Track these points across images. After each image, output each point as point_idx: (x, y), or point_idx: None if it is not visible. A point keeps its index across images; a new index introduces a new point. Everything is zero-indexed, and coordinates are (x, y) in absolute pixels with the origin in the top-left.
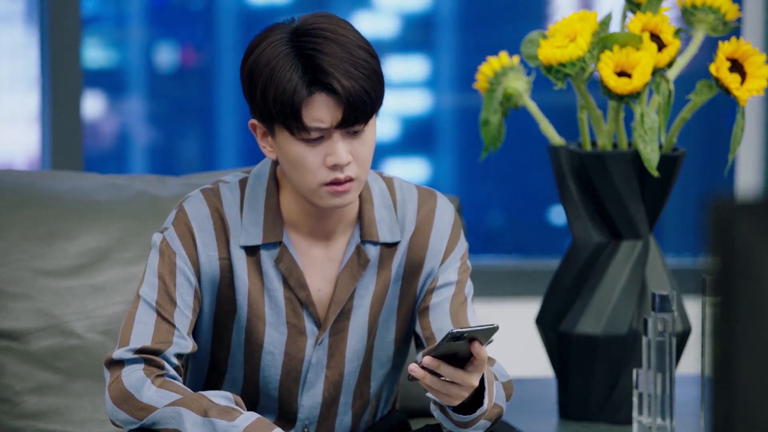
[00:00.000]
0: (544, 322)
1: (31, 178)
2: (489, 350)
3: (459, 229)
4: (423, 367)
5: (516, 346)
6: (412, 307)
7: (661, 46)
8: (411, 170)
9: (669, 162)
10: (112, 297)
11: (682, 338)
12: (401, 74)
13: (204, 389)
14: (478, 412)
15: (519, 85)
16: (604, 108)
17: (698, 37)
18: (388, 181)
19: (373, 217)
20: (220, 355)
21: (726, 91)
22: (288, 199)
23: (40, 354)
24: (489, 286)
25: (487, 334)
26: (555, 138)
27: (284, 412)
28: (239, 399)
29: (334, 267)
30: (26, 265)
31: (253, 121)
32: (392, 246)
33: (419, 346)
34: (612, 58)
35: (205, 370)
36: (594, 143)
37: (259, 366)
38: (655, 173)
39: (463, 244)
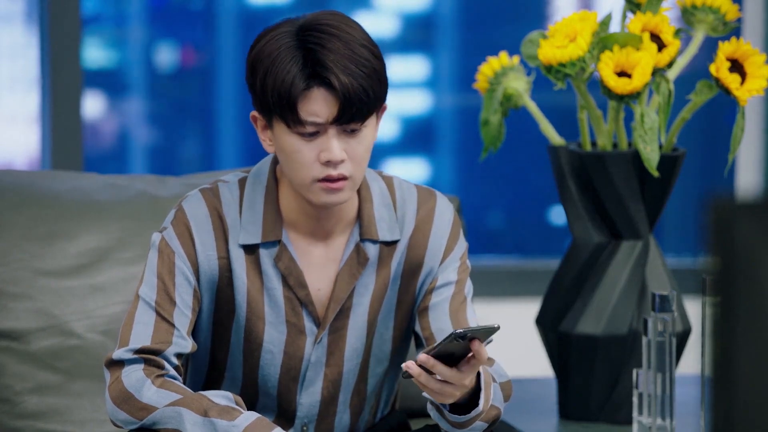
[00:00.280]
0: (544, 322)
1: (31, 178)
2: (489, 351)
3: (458, 228)
4: (419, 365)
5: (516, 346)
6: (410, 306)
7: (661, 46)
8: (411, 170)
9: (669, 162)
10: (112, 297)
11: (682, 338)
12: (401, 74)
13: (204, 388)
14: (473, 413)
15: (519, 85)
16: (604, 108)
17: (698, 37)
18: (388, 181)
19: (373, 215)
20: (219, 354)
21: (726, 91)
22: (287, 198)
23: (40, 354)
24: (489, 286)
25: (487, 333)
26: (555, 138)
27: (283, 410)
28: (239, 399)
29: (333, 266)
30: (26, 265)
31: (254, 113)
32: (392, 245)
33: (419, 345)
34: (612, 58)
35: (204, 369)
36: (594, 143)
37: (258, 365)
38: (655, 173)
39: (462, 244)
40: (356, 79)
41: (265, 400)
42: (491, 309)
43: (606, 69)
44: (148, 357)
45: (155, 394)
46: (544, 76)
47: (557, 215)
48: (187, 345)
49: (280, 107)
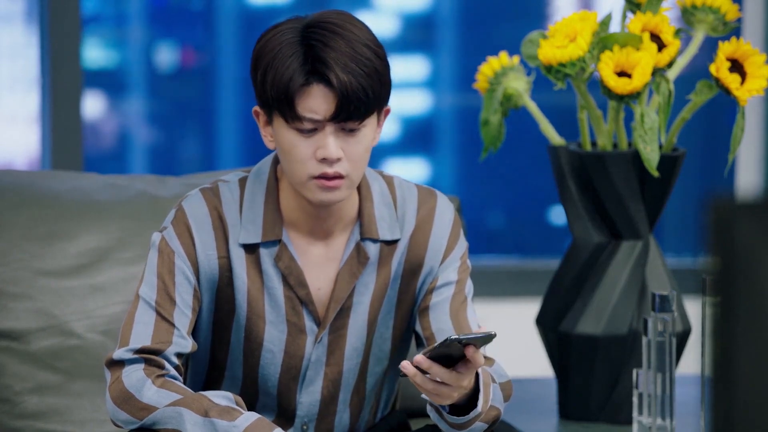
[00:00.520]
0: (544, 322)
1: (31, 178)
2: (488, 351)
3: (459, 228)
4: (415, 366)
5: (516, 346)
6: (411, 305)
7: (661, 46)
8: (411, 170)
9: (669, 162)
10: (112, 297)
11: (682, 338)
12: (401, 74)
13: (204, 388)
14: (472, 414)
15: (519, 85)
16: (604, 108)
17: (698, 37)
18: (388, 180)
19: (373, 214)
20: (219, 353)
21: (726, 91)
22: (287, 197)
23: (40, 354)
24: (489, 286)
25: (484, 340)
26: (555, 138)
27: (283, 410)
28: (240, 399)
29: (333, 265)
30: (26, 265)
31: (256, 108)
32: (392, 244)
33: (419, 345)
34: (612, 58)
35: (204, 368)
36: (594, 143)
37: (258, 364)
38: (655, 173)
39: (462, 244)
40: (355, 77)
41: (265, 400)
42: (491, 309)
43: (606, 69)
44: (149, 357)
45: (156, 394)
46: (544, 76)
47: (557, 215)
48: (188, 345)
49: (278, 102)
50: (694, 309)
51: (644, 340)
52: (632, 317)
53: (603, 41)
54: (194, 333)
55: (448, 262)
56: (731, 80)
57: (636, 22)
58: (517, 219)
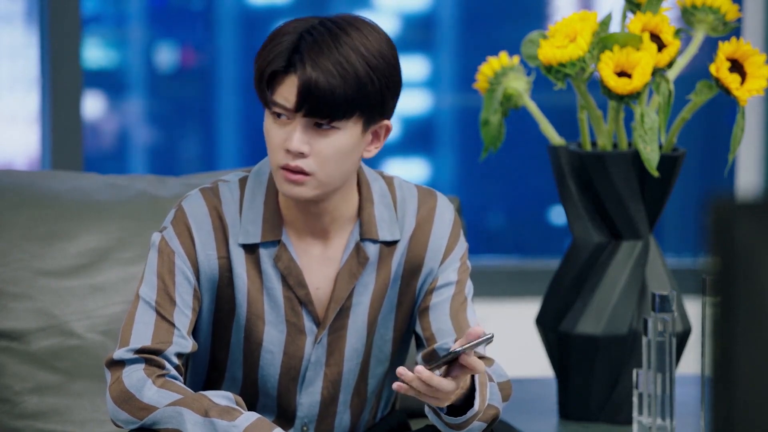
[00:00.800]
0: (544, 322)
1: (31, 178)
2: (488, 350)
3: (459, 229)
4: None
5: (516, 346)
6: (411, 306)
7: (661, 46)
8: (411, 170)
9: (669, 162)
10: (112, 297)
11: (682, 338)
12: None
13: (204, 388)
14: (470, 413)
15: (519, 85)
16: (604, 108)
17: (698, 37)
18: (388, 180)
19: (373, 215)
20: (219, 354)
21: (726, 91)
22: (287, 198)
23: (40, 354)
24: (489, 286)
25: (484, 344)
26: (555, 138)
27: (283, 410)
28: (240, 399)
29: (333, 265)
30: (26, 265)
31: None
32: (392, 245)
33: (419, 346)
34: (612, 58)
35: (204, 369)
36: (594, 143)
37: (257, 365)
38: (655, 173)
39: (462, 244)
40: (325, 75)
41: (265, 400)
42: (491, 309)
43: (606, 69)
44: (149, 357)
45: (156, 394)
46: (544, 76)
47: (557, 215)
48: (188, 345)
49: (258, 83)
50: (694, 309)
51: (644, 340)
52: (632, 317)
53: (603, 41)
54: (194, 333)
55: (448, 262)
56: (731, 80)
57: (636, 22)
58: (517, 219)
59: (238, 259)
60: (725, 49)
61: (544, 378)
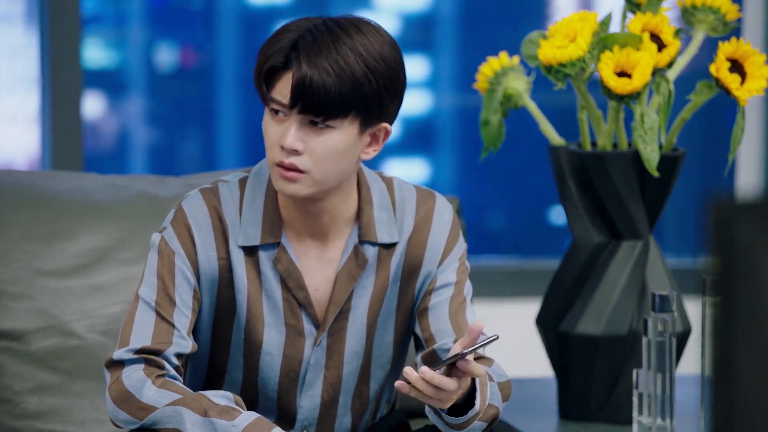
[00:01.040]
0: (544, 322)
1: (31, 178)
2: (488, 351)
3: (458, 229)
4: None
5: (516, 346)
6: (410, 308)
7: (661, 46)
8: (411, 170)
9: (669, 162)
10: (112, 297)
11: (682, 338)
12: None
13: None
14: (470, 413)
15: (519, 85)
16: (604, 108)
17: (698, 37)
18: (388, 182)
19: (372, 217)
20: (219, 356)
21: (726, 91)
22: (284, 196)
23: (40, 354)
24: (489, 286)
25: (488, 344)
26: (555, 138)
27: (283, 413)
28: (239, 399)
29: (332, 267)
30: (26, 265)
31: None
32: (390, 247)
33: (419, 347)
34: (612, 59)
35: (204, 372)
36: (594, 143)
37: (258, 367)
38: (655, 173)
39: (461, 245)
40: (320, 73)
41: (265, 403)
42: (491, 309)
43: (606, 69)
44: (149, 357)
45: (155, 394)
46: (544, 76)
47: (557, 215)
48: (188, 345)
49: (257, 78)
50: (694, 309)
51: (644, 340)
52: (632, 317)
53: (603, 41)
54: (194, 336)
55: (447, 263)
56: (731, 80)
57: (636, 23)
58: (517, 219)
59: (238, 260)
60: (725, 49)
61: (544, 378)
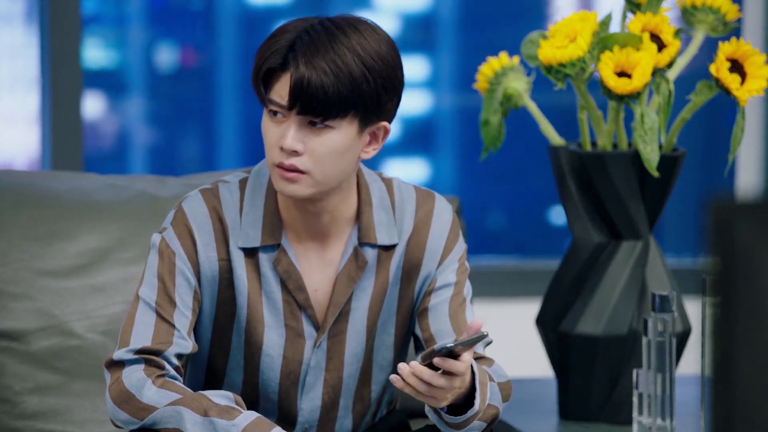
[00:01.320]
0: (544, 323)
1: (31, 178)
2: (488, 351)
3: (457, 230)
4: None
5: (516, 346)
6: (410, 309)
7: (661, 46)
8: (411, 170)
9: (669, 162)
10: (112, 297)
11: (682, 338)
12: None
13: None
14: (470, 413)
15: (519, 85)
16: (604, 108)
17: (698, 37)
18: (388, 183)
19: (372, 219)
20: (218, 360)
21: (726, 91)
22: (283, 197)
23: (40, 354)
24: (489, 286)
25: (475, 342)
26: (555, 138)
27: (284, 414)
28: (239, 398)
29: (331, 268)
30: (26, 265)
31: None
32: (390, 248)
33: (418, 348)
34: (612, 59)
35: (202, 377)
36: (594, 143)
37: (258, 369)
38: (655, 173)
39: (461, 245)
40: (318, 73)
41: (266, 405)
42: (491, 309)
43: (606, 69)
44: (149, 357)
45: (156, 394)
46: (544, 77)
47: (557, 215)
48: (188, 345)
49: (255, 80)
50: (694, 309)
51: (644, 340)
52: (632, 317)
53: (603, 41)
54: (195, 337)
55: (447, 263)
56: (731, 80)
57: (636, 23)
58: (517, 219)
59: (238, 261)
60: (725, 49)
61: (544, 378)
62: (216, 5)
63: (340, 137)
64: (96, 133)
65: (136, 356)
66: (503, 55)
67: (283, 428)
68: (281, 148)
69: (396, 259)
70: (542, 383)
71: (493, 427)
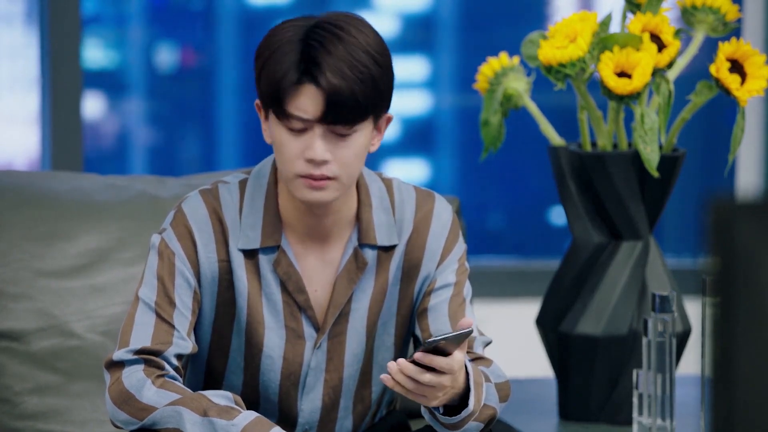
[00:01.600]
0: (544, 323)
1: (31, 178)
2: (488, 351)
3: (457, 230)
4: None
5: (516, 346)
6: (410, 309)
7: (661, 46)
8: (411, 171)
9: (669, 162)
10: (112, 297)
11: (682, 339)
12: (401, 74)
13: None
14: (464, 413)
15: (519, 85)
16: (604, 108)
17: (698, 37)
18: (387, 183)
19: (372, 220)
20: (217, 361)
21: (726, 91)
22: (285, 198)
23: (40, 354)
24: (489, 286)
25: (460, 339)
26: (555, 138)
27: (284, 415)
28: (239, 398)
29: (331, 270)
30: (26, 265)
31: (258, 101)
32: (390, 249)
33: (418, 348)
34: (612, 59)
35: (201, 379)
36: (594, 143)
37: (258, 370)
38: (655, 173)
39: (461, 246)
40: (347, 81)
41: (266, 406)
42: (491, 309)
43: (606, 69)
44: (149, 358)
45: (155, 394)
46: (544, 77)
47: (557, 215)
48: (188, 346)
49: (270, 98)
50: (694, 309)
51: (644, 340)
52: (632, 317)
53: (603, 42)
54: (194, 338)
55: (446, 264)
56: (731, 81)
57: (636, 23)
58: (517, 219)
59: (238, 262)
60: (725, 49)
61: (544, 378)
62: (216, 5)
63: (361, 138)
64: (96, 134)
65: (135, 357)
66: (503, 56)
67: (284, 429)
68: (308, 160)
69: (396, 259)
70: (542, 383)
71: (491, 427)
